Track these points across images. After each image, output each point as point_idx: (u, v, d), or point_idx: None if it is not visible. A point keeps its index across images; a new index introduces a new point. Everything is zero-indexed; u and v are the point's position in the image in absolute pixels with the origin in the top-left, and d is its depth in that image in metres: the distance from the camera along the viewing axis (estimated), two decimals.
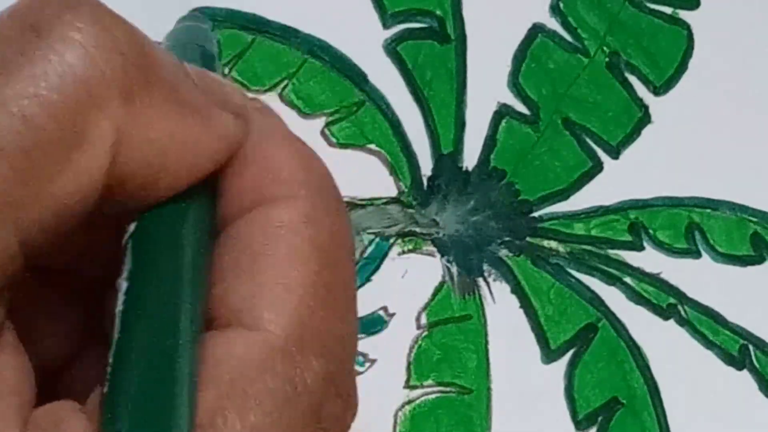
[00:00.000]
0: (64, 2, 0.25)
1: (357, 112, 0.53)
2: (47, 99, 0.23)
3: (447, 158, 0.54)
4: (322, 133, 0.53)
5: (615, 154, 0.55)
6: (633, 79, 0.56)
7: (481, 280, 0.54)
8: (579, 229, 0.55)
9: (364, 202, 0.53)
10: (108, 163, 0.24)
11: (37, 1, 0.25)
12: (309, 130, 0.53)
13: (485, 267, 0.54)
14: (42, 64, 0.24)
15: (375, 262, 0.53)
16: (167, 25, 0.52)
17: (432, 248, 0.54)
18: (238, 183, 0.27)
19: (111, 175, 0.25)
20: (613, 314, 0.54)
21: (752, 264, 0.55)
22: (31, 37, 0.24)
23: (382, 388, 0.52)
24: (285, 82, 0.53)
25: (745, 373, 0.55)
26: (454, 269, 0.54)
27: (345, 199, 0.52)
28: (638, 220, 0.55)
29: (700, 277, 0.55)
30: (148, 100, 0.25)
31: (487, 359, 0.53)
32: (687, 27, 0.56)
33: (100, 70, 0.24)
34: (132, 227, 0.26)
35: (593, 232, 0.55)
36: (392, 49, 0.54)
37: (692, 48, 0.56)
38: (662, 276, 0.55)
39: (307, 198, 0.27)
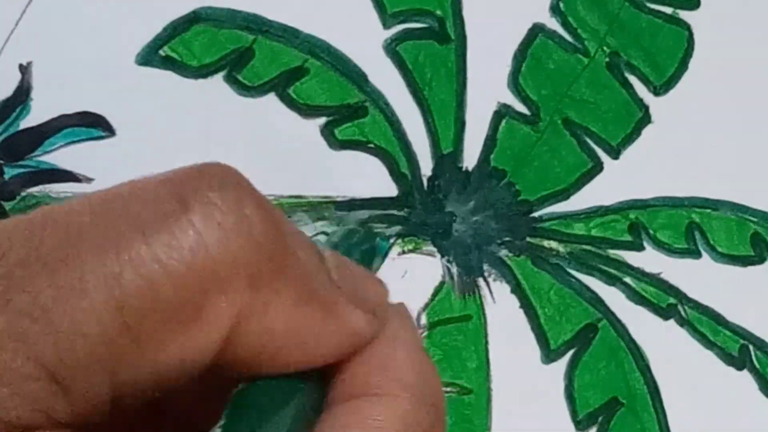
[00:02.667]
0: (215, 182, 0.25)
1: (357, 112, 0.53)
2: (176, 270, 0.24)
3: (447, 158, 0.54)
4: (323, 133, 0.53)
5: (615, 154, 0.55)
6: (633, 79, 0.56)
7: (481, 280, 0.54)
8: (579, 229, 0.55)
9: (364, 203, 0.53)
10: (221, 343, 0.25)
11: (190, 174, 0.26)
12: (309, 130, 0.53)
13: (485, 267, 0.54)
14: (179, 235, 0.24)
15: None
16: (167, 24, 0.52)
17: (432, 248, 0.54)
18: (352, 370, 0.28)
19: (222, 352, 0.25)
20: (614, 314, 0.54)
21: (752, 264, 0.56)
22: (176, 207, 0.25)
23: None
24: (285, 82, 0.53)
25: (745, 373, 0.55)
26: (454, 269, 0.54)
27: (345, 199, 0.53)
28: (638, 220, 0.55)
29: (701, 278, 0.55)
30: (274, 290, 0.25)
31: (487, 359, 0.53)
32: (687, 27, 0.56)
33: (232, 254, 0.25)
34: (240, 387, 0.26)
35: (593, 232, 0.55)
36: (392, 49, 0.54)
37: (692, 48, 0.56)
38: (662, 276, 0.55)
39: (409, 401, 0.27)
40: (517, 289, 0.54)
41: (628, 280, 0.55)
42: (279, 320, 0.25)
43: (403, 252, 0.53)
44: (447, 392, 0.53)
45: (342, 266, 0.28)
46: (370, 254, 0.34)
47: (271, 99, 0.53)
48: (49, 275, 0.24)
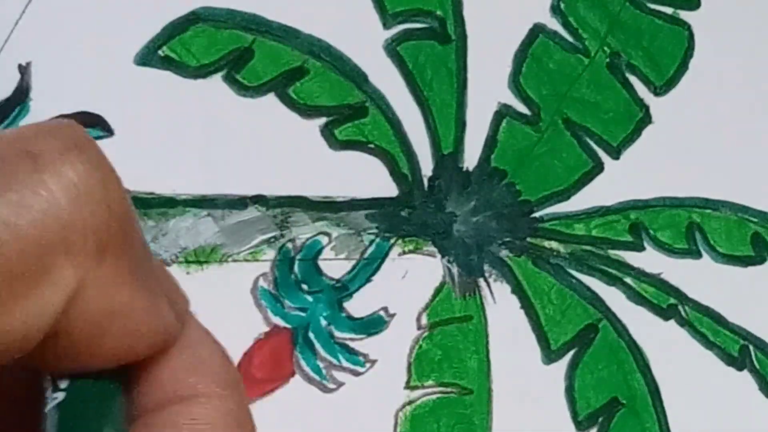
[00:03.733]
0: (71, 139, 0.24)
1: (357, 113, 0.53)
2: (24, 231, 0.23)
3: (447, 158, 0.54)
4: (323, 133, 0.53)
5: (616, 154, 0.55)
6: (634, 80, 0.56)
7: (481, 281, 0.54)
8: (579, 229, 0.55)
9: (364, 203, 0.53)
10: (61, 309, 0.24)
11: (43, 130, 0.24)
12: (309, 130, 0.53)
13: (486, 267, 0.54)
14: (30, 195, 0.23)
15: (375, 262, 0.53)
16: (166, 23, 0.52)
17: (432, 249, 0.54)
18: (160, 374, 0.26)
19: (59, 322, 0.24)
20: (614, 314, 0.54)
21: (753, 264, 0.56)
22: (27, 164, 0.23)
23: (383, 389, 0.52)
24: (285, 82, 0.53)
25: (745, 374, 0.55)
26: (455, 270, 0.54)
27: (345, 199, 0.53)
28: (639, 220, 0.55)
29: (701, 278, 0.55)
30: (117, 263, 0.24)
31: (488, 360, 0.53)
32: (687, 27, 0.56)
33: (85, 217, 0.23)
34: (60, 396, 0.25)
35: (594, 233, 0.55)
36: (393, 49, 0.54)
37: (693, 48, 0.56)
38: (663, 276, 0.55)
39: (232, 398, 0.27)
40: (517, 290, 0.54)
41: (628, 280, 0.55)
42: (113, 294, 0.24)
43: (404, 252, 0.53)
44: (447, 392, 0.53)
45: (159, 264, 0.27)
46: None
47: (271, 99, 0.53)
48: None
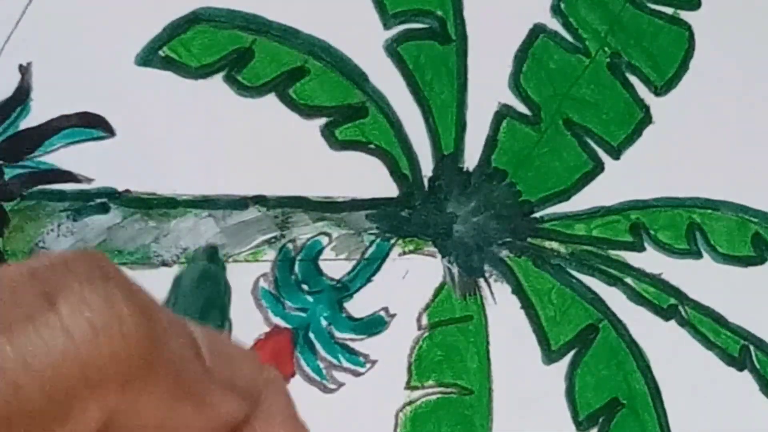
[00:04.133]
0: (82, 274, 0.24)
1: (357, 113, 0.53)
2: (43, 372, 0.23)
3: (448, 159, 0.54)
4: (323, 133, 0.53)
5: (616, 154, 0.55)
6: (634, 80, 0.56)
7: (482, 281, 0.54)
8: (580, 229, 0.55)
9: (364, 203, 0.53)
10: None
11: (56, 267, 0.24)
12: (309, 130, 0.53)
13: (486, 268, 0.54)
14: (46, 335, 0.23)
15: (376, 262, 0.53)
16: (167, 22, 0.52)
17: (433, 249, 0.54)
18: None
19: None
20: (614, 315, 0.54)
21: (753, 264, 0.56)
22: (42, 304, 0.23)
23: (383, 389, 0.52)
24: (286, 82, 0.53)
25: (745, 374, 0.55)
26: (455, 270, 0.54)
27: (345, 200, 0.53)
28: (639, 220, 0.55)
29: (701, 278, 0.55)
30: (146, 387, 0.24)
31: (488, 360, 0.53)
32: (688, 27, 0.56)
33: (104, 355, 0.24)
34: None
35: (594, 233, 0.55)
36: (393, 49, 0.54)
37: (693, 48, 0.56)
38: (663, 277, 0.55)
39: None
40: (518, 290, 0.54)
41: (629, 280, 0.55)
42: (150, 416, 0.25)
43: (404, 253, 0.53)
44: (448, 393, 0.53)
45: (215, 346, 0.27)
46: (213, 305, 0.33)
47: (271, 99, 0.53)
48: None
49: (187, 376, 0.25)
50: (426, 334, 0.53)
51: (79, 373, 0.23)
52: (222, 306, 0.33)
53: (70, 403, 0.23)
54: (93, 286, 0.24)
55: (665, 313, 0.55)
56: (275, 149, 0.53)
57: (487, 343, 0.53)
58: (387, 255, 0.53)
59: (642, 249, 0.55)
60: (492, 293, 0.54)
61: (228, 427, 0.26)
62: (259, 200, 0.52)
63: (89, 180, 0.51)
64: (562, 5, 0.55)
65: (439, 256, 0.54)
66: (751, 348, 0.55)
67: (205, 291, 0.33)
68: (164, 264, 0.51)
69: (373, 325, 0.53)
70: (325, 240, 0.53)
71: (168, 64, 0.52)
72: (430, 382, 0.53)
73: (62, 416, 0.23)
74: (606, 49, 0.55)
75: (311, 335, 0.52)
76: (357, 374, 0.52)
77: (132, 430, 0.24)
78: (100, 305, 0.24)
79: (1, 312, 0.23)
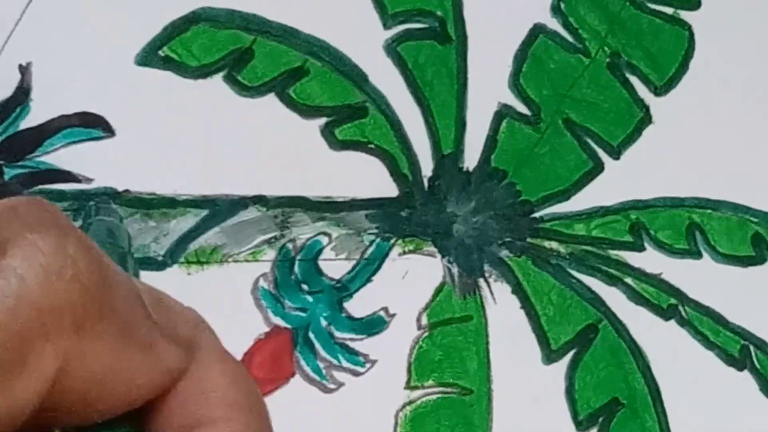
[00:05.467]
0: (34, 220, 0.24)
1: (357, 113, 0.53)
2: None
3: (448, 159, 0.54)
4: (323, 133, 0.53)
5: (616, 154, 0.55)
6: (634, 80, 0.56)
7: (481, 281, 0.54)
8: (580, 229, 0.55)
9: (364, 203, 0.53)
10: (45, 390, 0.24)
11: (4, 214, 0.24)
12: (309, 130, 0.53)
13: (486, 267, 0.54)
14: (0, 282, 0.23)
15: (376, 262, 0.53)
16: (167, 23, 0.52)
17: (433, 249, 0.54)
18: (172, 405, 0.27)
19: (45, 399, 0.24)
20: (614, 315, 0.54)
21: (753, 264, 0.56)
22: None
23: (383, 389, 0.52)
24: (286, 82, 0.53)
25: (745, 374, 0.55)
26: (455, 270, 0.54)
27: (345, 200, 0.53)
28: (639, 220, 0.55)
29: (701, 278, 0.55)
30: (98, 332, 0.24)
31: (488, 360, 0.53)
32: (688, 27, 0.56)
33: (58, 299, 0.23)
34: None
35: (594, 233, 0.55)
36: (393, 49, 0.54)
37: (693, 48, 0.56)
38: (663, 276, 0.55)
39: (242, 419, 0.27)
40: (517, 290, 0.54)
41: (628, 280, 0.55)
42: (102, 361, 0.25)
43: (404, 252, 0.53)
44: (448, 393, 0.53)
45: (155, 298, 0.27)
46: (123, 259, 0.33)
47: (271, 99, 0.53)
48: None
49: (135, 324, 0.25)
50: (426, 334, 0.53)
51: (35, 318, 0.23)
52: (131, 260, 0.33)
53: (27, 349, 0.23)
54: (44, 232, 0.24)
55: (665, 313, 0.55)
56: (275, 149, 0.53)
57: (487, 343, 0.53)
58: (387, 255, 0.53)
59: (642, 249, 0.55)
60: (492, 293, 0.54)
61: (170, 380, 0.26)
62: (259, 200, 0.52)
63: (89, 180, 0.51)
64: (562, 5, 0.55)
65: (438, 256, 0.54)
66: (751, 348, 0.55)
67: (114, 247, 0.33)
68: (164, 264, 0.51)
69: (373, 325, 0.53)
70: (324, 240, 0.53)
71: (168, 64, 0.52)
72: (430, 382, 0.53)
73: (19, 363, 0.23)
74: (606, 49, 0.55)
75: (311, 335, 0.52)
76: (357, 374, 0.52)
77: (82, 376, 0.24)
78: (52, 250, 0.23)
79: None
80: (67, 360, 0.24)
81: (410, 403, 0.53)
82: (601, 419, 0.54)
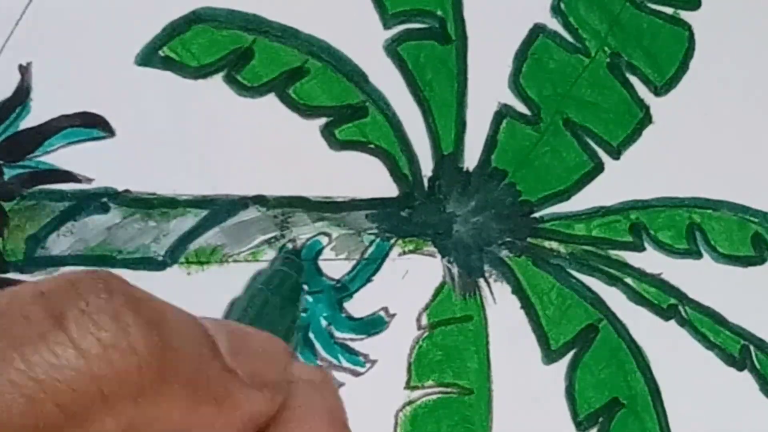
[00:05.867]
0: (89, 293, 0.25)
1: (357, 113, 0.53)
2: (57, 388, 0.24)
3: (448, 159, 0.54)
4: (323, 133, 0.53)
5: (616, 154, 0.55)
6: (634, 80, 0.56)
7: (482, 281, 0.54)
8: (580, 229, 0.55)
9: (364, 203, 0.53)
10: None
11: (62, 287, 0.25)
12: (309, 130, 0.53)
13: (486, 267, 0.54)
14: (58, 352, 0.24)
15: (376, 262, 0.53)
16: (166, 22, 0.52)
17: (433, 249, 0.54)
18: None
19: None
20: (614, 315, 0.54)
21: (753, 264, 0.56)
22: (51, 323, 0.24)
23: (383, 389, 0.52)
24: (286, 82, 0.53)
25: (746, 374, 0.55)
26: (455, 270, 0.54)
27: (345, 200, 0.53)
28: (639, 220, 0.55)
29: (701, 278, 0.55)
30: (161, 396, 0.25)
31: (488, 360, 0.53)
32: (688, 27, 0.56)
33: (114, 369, 0.24)
34: None
35: (594, 233, 0.55)
36: (393, 49, 0.54)
37: (693, 48, 0.56)
38: (663, 277, 0.55)
39: None
40: (518, 290, 0.54)
41: (628, 280, 0.55)
42: (170, 423, 0.25)
43: (404, 253, 0.53)
44: (448, 393, 0.53)
45: (236, 342, 0.28)
46: (294, 292, 0.34)
47: (271, 99, 0.53)
48: None
49: (205, 377, 0.26)
50: (426, 334, 0.53)
51: (93, 388, 0.24)
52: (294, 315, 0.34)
53: (86, 418, 0.24)
54: (98, 304, 0.25)
55: (665, 313, 0.55)
56: (275, 149, 0.53)
57: (487, 343, 0.53)
58: (387, 255, 0.53)
59: (642, 249, 0.55)
60: (492, 293, 0.54)
61: (256, 423, 0.27)
62: (259, 200, 0.52)
63: (89, 180, 0.51)
64: (562, 5, 0.55)
65: (438, 256, 0.54)
66: (751, 348, 0.55)
67: (280, 298, 0.34)
68: (164, 264, 0.51)
69: (373, 325, 0.53)
70: (324, 240, 0.53)
71: (168, 64, 0.52)
72: (430, 382, 0.53)
73: (79, 431, 0.24)
74: (606, 49, 0.55)
75: (311, 335, 0.52)
76: (357, 374, 0.52)
77: None
78: (107, 322, 0.24)
79: (13, 331, 0.24)
80: (133, 427, 0.25)
81: (410, 403, 0.53)
82: (601, 419, 0.54)
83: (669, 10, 0.56)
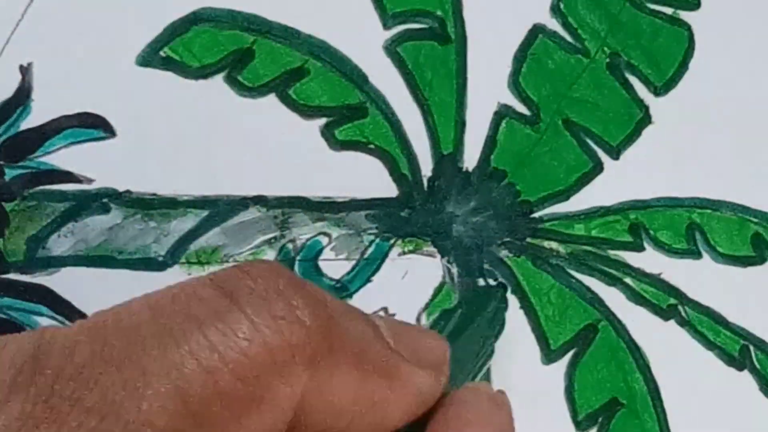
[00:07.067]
0: (258, 277, 0.27)
1: (357, 113, 0.53)
2: (234, 358, 0.26)
3: (447, 159, 0.54)
4: (323, 133, 0.53)
5: (615, 154, 0.55)
6: (633, 80, 0.56)
7: (481, 281, 0.54)
8: (579, 229, 0.55)
9: (364, 203, 0.53)
10: (286, 423, 0.26)
11: (234, 273, 0.27)
12: (309, 130, 0.53)
13: (485, 267, 0.54)
14: (234, 326, 0.26)
15: (375, 262, 0.53)
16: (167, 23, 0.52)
17: (432, 249, 0.54)
18: (438, 428, 0.29)
19: (290, 431, 0.27)
20: (614, 315, 0.54)
21: (753, 264, 0.56)
22: (227, 302, 0.26)
23: None
24: (286, 82, 0.53)
25: (745, 374, 0.55)
26: (455, 270, 0.54)
27: (345, 200, 0.53)
28: (639, 220, 0.55)
29: (701, 278, 0.55)
30: (331, 366, 0.27)
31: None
32: (688, 27, 0.56)
33: (286, 339, 0.26)
34: None
35: (593, 233, 0.55)
36: (393, 49, 0.54)
37: (693, 48, 0.56)
38: (663, 277, 0.55)
39: None
40: (517, 290, 0.54)
41: (628, 280, 0.55)
42: (342, 394, 0.27)
43: (404, 252, 0.53)
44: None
45: (397, 329, 0.30)
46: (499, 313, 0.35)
47: (272, 100, 0.53)
48: (114, 372, 0.25)
49: (372, 354, 0.28)
50: None
51: (267, 358, 0.26)
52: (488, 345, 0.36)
53: (262, 387, 0.26)
54: (268, 283, 0.27)
55: (665, 313, 0.55)
56: (275, 149, 0.53)
57: None
58: (386, 255, 0.53)
59: (641, 249, 0.55)
60: None
61: (423, 403, 0.29)
62: (259, 200, 0.52)
63: (90, 180, 0.51)
64: (562, 5, 0.55)
65: (438, 256, 0.54)
66: (751, 348, 0.55)
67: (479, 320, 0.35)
68: (165, 265, 0.51)
69: None
70: (324, 240, 0.53)
71: (169, 64, 0.52)
72: None
73: (256, 399, 0.26)
74: (605, 49, 0.55)
75: None
76: None
77: (326, 409, 0.27)
78: (275, 298, 0.27)
79: (191, 310, 0.26)
80: (305, 396, 0.27)
81: None
82: (600, 419, 0.54)
83: (669, 10, 0.56)
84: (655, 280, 0.55)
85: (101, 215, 0.51)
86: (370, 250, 0.53)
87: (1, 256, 0.50)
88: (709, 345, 0.55)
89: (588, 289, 0.54)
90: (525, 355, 0.53)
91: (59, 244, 0.50)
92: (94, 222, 0.51)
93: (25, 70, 0.51)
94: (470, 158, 0.54)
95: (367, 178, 0.53)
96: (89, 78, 0.51)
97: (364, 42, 0.54)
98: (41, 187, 0.51)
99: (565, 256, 0.54)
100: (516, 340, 0.53)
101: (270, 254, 0.52)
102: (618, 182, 0.55)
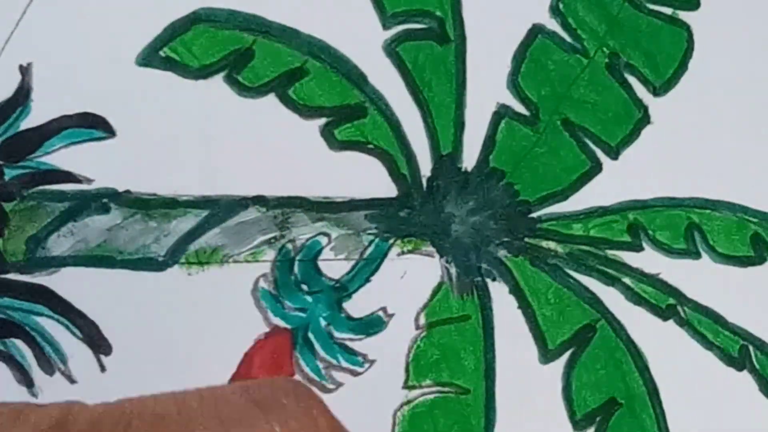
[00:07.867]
0: (286, 391, 0.31)
1: (357, 113, 0.53)
2: None
3: (446, 159, 0.54)
4: (322, 133, 0.53)
5: (614, 154, 0.55)
6: (632, 80, 0.56)
7: (479, 281, 0.54)
8: (578, 229, 0.55)
9: (363, 203, 0.53)
10: None
11: (264, 386, 0.31)
12: (309, 130, 0.53)
13: (484, 267, 0.54)
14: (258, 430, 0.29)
15: (374, 262, 0.53)
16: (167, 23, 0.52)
17: (431, 249, 0.54)
18: None
19: None
20: (612, 315, 0.54)
21: (752, 264, 0.56)
22: (257, 411, 0.30)
23: (381, 389, 0.53)
24: (285, 82, 0.53)
25: (745, 374, 0.55)
26: (453, 270, 0.54)
27: (345, 200, 0.53)
28: (637, 220, 0.55)
29: (700, 278, 0.55)
30: None
31: (486, 360, 0.53)
32: (687, 28, 0.56)
33: None
34: None
35: (592, 233, 0.55)
36: (392, 49, 0.54)
37: (692, 49, 0.56)
38: (661, 277, 0.55)
39: None
40: (515, 290, 0.54)
41: (626, 280, 0.55)
42: None
43: (402, 252, 0.53)
44: (445, 392, 0.53)
45: None
46: None
47: (271, 100, 0.53)
48: None
49: None
50: (424, 334, 0.53)
51: None
52: None
53: None
54: (294, 398, 0.31)
55: (664, 313, 0.55)
56: (275, 149, 0.53)
57: (485, 342, 0.53)
58: (385, 255, 0.53)
59: (640, 249, 0.55)
60: (489, 293, 0.54)
61: None
62: (259, 200, 0.52)
63: (89, 180, 0.51)
64: (561, 5, 0.55)
65: (437, 256, 0.54)
66: (751, 348, 0.55)
67: None
68: (165, 264, 0.51)
69: (372, 325, 0.53)
70: (324, 240, 0.53)
71: (168, 64, 0.52)
72: (428, 382, 0.53)
73: None
74: (604, 49, 0.55)
75: (310, 335, 0.53)
76: (355, 374, 0.53)
77: None
78: (301, 412, 0.30)
79: (226, 414, 0.29)
80: None
81: (408, 402, 0.53)
82: (598, 419, 0.54)
83: (668, 11, 0.56)
84: (654, 280, 0.55)
85: (101, 215, 0.51)
86: (369, 250, 0.53)
87: (1, 256, 0.50)
88: (708, 345, 0.55)
89: (586, 288, 0.54)
90: (523, 354, 0.54)
91: (59, 244, 0.51)
92: (94, 222, 0.51)
93: (25, 70, 0.51)
94: (469, 158, 0.54)
95: (366, 178, 0.53)
96: (89, 78, 0.51)
97: (363, 42, 0.54)
98: (41, 187, 0.51)
99: (564, 255, 0.54)
100: (514, 339, 0.54)
101: (269, 254, 0.52)
102: (617, 182, 0.55)
